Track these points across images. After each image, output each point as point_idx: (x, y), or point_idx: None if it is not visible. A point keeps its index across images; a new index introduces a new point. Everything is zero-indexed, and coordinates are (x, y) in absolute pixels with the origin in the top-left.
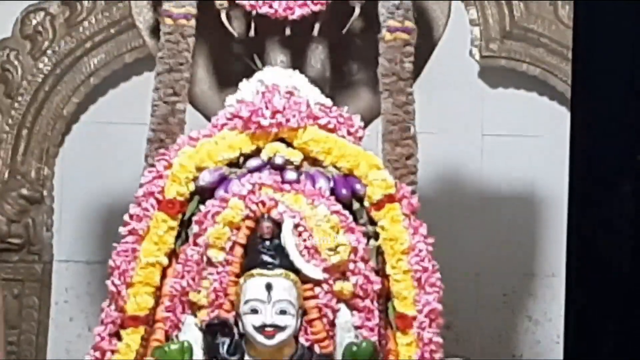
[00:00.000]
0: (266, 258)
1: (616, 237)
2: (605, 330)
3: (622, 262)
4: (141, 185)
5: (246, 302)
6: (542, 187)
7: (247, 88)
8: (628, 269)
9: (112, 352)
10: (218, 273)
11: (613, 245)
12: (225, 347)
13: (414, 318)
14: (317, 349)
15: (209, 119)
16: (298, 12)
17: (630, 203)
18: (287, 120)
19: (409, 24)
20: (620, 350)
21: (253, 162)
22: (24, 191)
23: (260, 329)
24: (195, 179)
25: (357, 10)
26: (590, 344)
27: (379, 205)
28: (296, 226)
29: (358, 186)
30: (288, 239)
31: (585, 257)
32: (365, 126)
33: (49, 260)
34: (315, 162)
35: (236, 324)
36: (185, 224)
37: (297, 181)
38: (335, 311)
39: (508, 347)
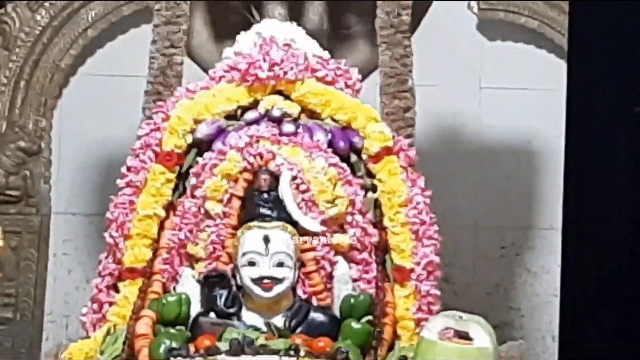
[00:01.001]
0: (264, 210)
1: (612, 187)
2: (602, 283)
3: (618, 212)
4: (139, 138)
5: (244, 254)
6: (540, 139)
7: (245, 40)
8: (624, 219)
9: (110, 304)
10: (216, 225)
11: (609, 196)
12: (223, 299)
13: (412, 270)
14: (314, 301)
15: (206, 71)
16: None
17: (625, 153)
18: (285, 73)
19: None
20: (617, 303)
21: (251, 115)
22: (22, 143)
23: (258, 281)
24: (192, 131)
25: None
26: (587, 298)
27: (376, 158)
28: (294, 178)
29: (356, 139)
30: (286, 191)
31: (582, 209)
32: (363, 79)
33: (47, 212)
34: (312, 114)
35: (234, 276)
36: (182, 177)
37: (295, 134)
38: (332, 264)
39: (506, 300)
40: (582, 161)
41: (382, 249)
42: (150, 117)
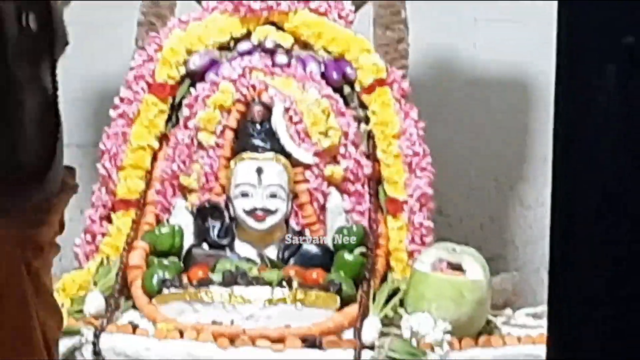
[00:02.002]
0: (257, 142)
1: (602, 118)
2: (593, 215)
3: (610, 143)
4: (131, 69)
5: (237, 185)
6: (534, 71)
7: None
8: (616, 149)
9: (103, 235)
10: (209, 157)
11: (598, 128)
12: (216, 230)
13: (405, 202)
14: (307, 233)
15: (199, 2)
16: None
17: (615, 84)
18: (278, 4)
19: None
20: (607, 234)
21: (244, 46)
22: None
23: (251, 212)
24: (185, 62)
25: None
26: (577, 232)
27: (369, 89)
28: (287, 110)
29: (349, 70)
30: (279, 122)
31: (571, 141)
32: (356, 10)
33: None
34: (306, 45)
35: (227, 207)
36: (175, 108)
37: (288, 65)
38: (325, 195)
39: (500, 232)
40: (570, 90)
41: (375, 181)
42: (143, 48)
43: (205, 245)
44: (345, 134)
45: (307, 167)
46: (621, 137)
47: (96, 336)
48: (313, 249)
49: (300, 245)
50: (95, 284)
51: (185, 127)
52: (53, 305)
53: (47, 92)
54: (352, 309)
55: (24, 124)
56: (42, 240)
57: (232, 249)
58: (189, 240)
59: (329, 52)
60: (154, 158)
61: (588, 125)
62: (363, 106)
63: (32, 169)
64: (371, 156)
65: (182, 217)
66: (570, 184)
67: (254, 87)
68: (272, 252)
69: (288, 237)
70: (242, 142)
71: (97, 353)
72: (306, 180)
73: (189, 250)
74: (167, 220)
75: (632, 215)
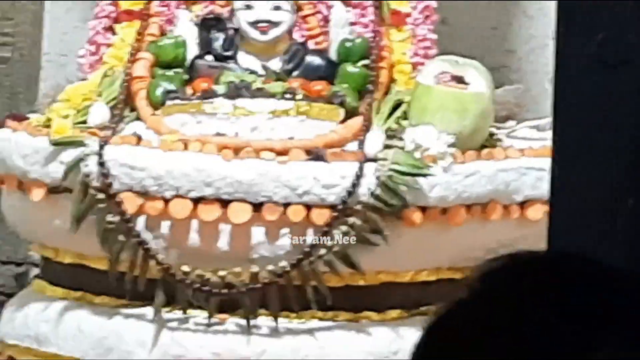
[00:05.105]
0: None
1: None
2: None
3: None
4: None
5: None
6: None
7: None
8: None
9: (107, 45)
10: None
11: None
12: (220, 42)
13: (408, 15)
14: (311, 44)
15: None
16: None
17: None
18: None
19: None
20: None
21: None
22: None
23: (255, 24)
24: None
25: None
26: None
27: None
28: None
29: None
30: None
31: None
32: None
33: None
34: None
35: (231, 19)
36: None
37: None
38: (329, 7)
39: (503, 43)
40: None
41: None
42: None
43: (209, 57)
44: None
45: None
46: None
47: (101, 147)
48: (317, 60)
49: (304, 57)
50: (99, 94)
51: None
52: None
53: None
54: (356, 121)
55: None
56: None
57: (235, 61)
58: (193, 51)
59: None
60: None
61: None
62: None
63: None
64: None
65: (186, 28)
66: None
67: None
68: (276, 64)
69: (292, 48)
70: None
71: (101, 164)
72: None
73: (193, 62)
74: (171, 32)
75: None
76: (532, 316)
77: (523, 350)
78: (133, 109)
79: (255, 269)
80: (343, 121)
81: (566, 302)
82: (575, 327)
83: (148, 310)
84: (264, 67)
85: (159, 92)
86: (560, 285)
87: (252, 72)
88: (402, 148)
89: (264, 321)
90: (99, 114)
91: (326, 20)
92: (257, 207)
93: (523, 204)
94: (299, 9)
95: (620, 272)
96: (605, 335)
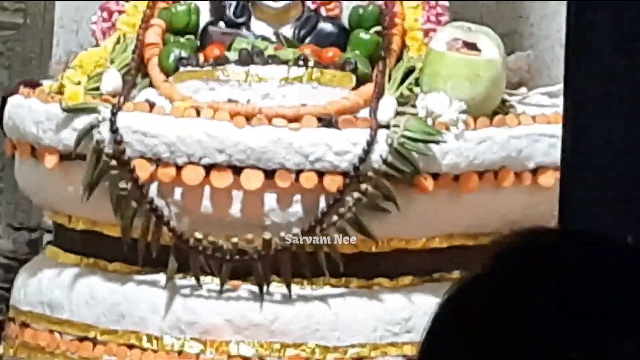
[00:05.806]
0: None
1: None
2: None
3: None
4: None
5: None
6: None
7: None
8: None
9: (120, 12)
10: None
11: None
12: (232, 8)
13: None
14: (323, 11)
15: None
16: None
17: None
18: None
19: None
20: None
21: None
22: None
23: None
24: None
25: None
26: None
27: None
28: None
29: None
30: None
31: None
32: None
33: None
34: None
35: None
36: None
37: None
38: None
39: (515, 9)
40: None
41: None
42: None
43: (221, 23)
44: None
45: None
46: None
47: (113, 114)
48: (329, 27)
49: (316, 24)
50: (112, 61)
51: None
52: None
53: None
54: (368, 88)
55: None
56: None
57: (248, 28)
58: (205, 18)
59: None
60: None
61: None
62: None
63: None
64: None
65: None
66: None
67: None
68: (288, 31)
69: (304, 15)
70: None
71: (114, 131)
72: None
73: (205, 28)
74: None
75: None
76: (533, 303)
77: (522, 336)
78: (145, 76)
79: (267, 235)
80: (355, 88)
81: (567, 293)
82: (575, 321)
83: (161, 277)
84: (276, 34)
85: (171, 58)
86: (564, 275)
87: (265, 38)
88: (414, 115)
89: (276, 288)
90: (112, 80)
91: None
92: (270, 174)
93: (535, 171)
94: None
95: (632, 249)
96: (605, 334)
